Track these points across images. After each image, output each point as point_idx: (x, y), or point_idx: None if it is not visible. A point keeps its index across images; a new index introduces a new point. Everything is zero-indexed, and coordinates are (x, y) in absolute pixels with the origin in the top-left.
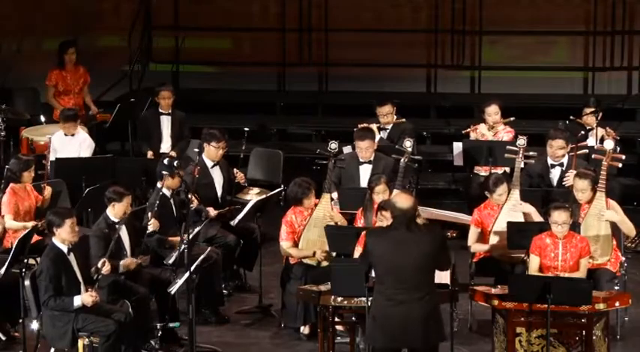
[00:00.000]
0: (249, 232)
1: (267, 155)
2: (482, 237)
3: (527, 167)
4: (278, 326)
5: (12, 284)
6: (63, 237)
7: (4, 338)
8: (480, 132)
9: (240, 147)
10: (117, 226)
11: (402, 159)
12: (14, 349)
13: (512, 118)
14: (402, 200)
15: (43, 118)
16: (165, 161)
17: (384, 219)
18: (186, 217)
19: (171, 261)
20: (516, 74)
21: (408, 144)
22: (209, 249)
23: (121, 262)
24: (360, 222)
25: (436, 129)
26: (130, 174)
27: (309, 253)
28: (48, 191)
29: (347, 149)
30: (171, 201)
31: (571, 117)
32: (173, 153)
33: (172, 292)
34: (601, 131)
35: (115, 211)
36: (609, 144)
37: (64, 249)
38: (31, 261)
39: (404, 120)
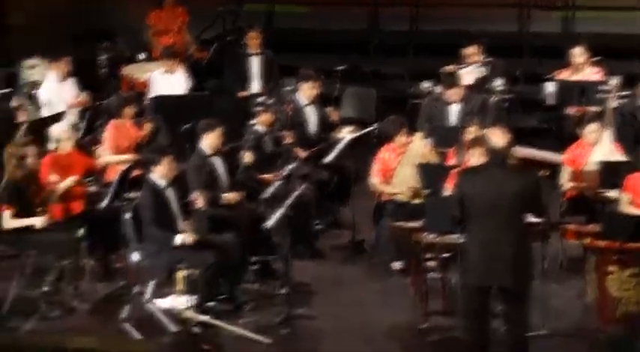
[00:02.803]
0: (343, 170)
1: (360, 94)
2: (575, 176)
3: (619, 107)
4: (370, 261)
5: (114, 217)
6: (161, 172)
7: (105, 271)
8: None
9: (334, 86)
10: (210, 158)
11: (493, 98)
12: (116, 280)
13: (598, 58)
14: (497, 137)
15: (143, 56)
16: (260, 99)
17: (475, 157)
18: (281, 154)
19: (266, 197)
20: (610, 14)
21: (498, 82)
22: (303, 185)
23: (225, 194)
24: (452, 161)
25: (528, 69)
26: (225, 112)
27: (398, 189)
28: (147, 127)
29: (439, 89)
30: (266, 137)
31: None
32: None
33: (268, 227)
34: None
35: (208, 142)
36: None
37: (162, 183)
38: (132, 195)
39: (491, 59)
